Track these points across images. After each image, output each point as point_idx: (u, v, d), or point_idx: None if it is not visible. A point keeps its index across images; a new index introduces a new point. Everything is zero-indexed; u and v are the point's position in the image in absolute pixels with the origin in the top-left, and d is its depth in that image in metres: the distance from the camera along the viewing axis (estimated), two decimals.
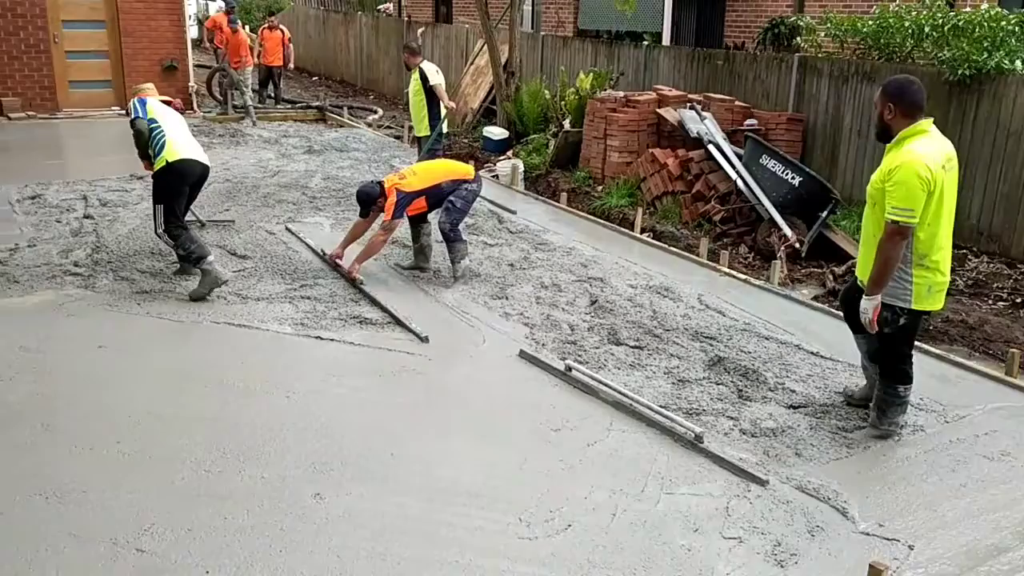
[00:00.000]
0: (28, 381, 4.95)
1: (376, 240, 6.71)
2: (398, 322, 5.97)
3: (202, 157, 6.55)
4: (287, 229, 8.02)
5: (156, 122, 6.36)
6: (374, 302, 6.33)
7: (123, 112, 14.47)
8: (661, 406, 4.80)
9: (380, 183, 6.73)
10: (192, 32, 18.92)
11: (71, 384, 4.96)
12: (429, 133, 9.47)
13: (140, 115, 6.35)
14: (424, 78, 9.34)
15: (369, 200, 6.71)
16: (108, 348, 5.45)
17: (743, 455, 4.39)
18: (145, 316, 5.98)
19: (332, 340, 5.68)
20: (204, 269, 6.28)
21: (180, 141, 6.40)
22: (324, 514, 3.79)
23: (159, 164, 6.30)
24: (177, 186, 6.38)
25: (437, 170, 6.96)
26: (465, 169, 7.05)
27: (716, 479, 4.18)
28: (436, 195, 6.77)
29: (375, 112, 17.13)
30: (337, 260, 6.92)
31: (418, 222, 7.10)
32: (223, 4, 15.89)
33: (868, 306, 4.40)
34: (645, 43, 13.54)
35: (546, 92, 13.10)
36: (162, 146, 6.30)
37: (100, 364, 5.23)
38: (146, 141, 6.36)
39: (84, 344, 5.48)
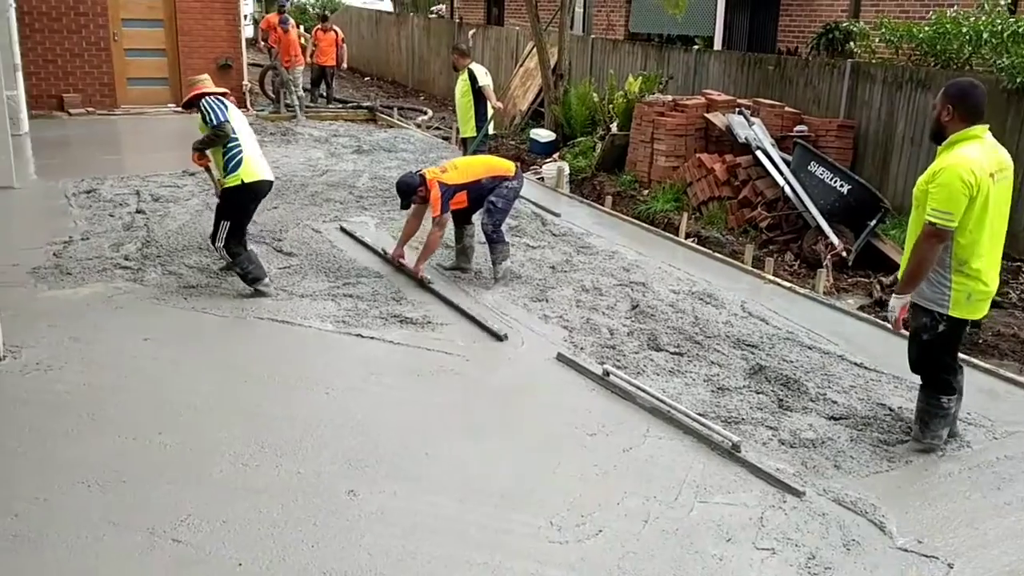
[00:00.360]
0: (76, 371, 5.07)
1: (433, 238, 6.73)
2: (473, 320, 6.02)
3: (270, 173, 6.48)
4: (342, 229, 8.09)
5: (235, 135, 6.19)
6: (445, 301, 6.39)
7: (179, 109, 14.80)
8: (699, 414, 4.75)
9: (421, 175, 6.71)
10: (247, 31, 19.23)
11: (117, 375, 5.06)
12: (475, 134, 9.49)
13: (224, 120, 6.15)
14: (473, 79, 9.36)
15: (409, 191, 6.64)
16: (154, 341, 5.56)
17: (780, 465, 4.33)
18: (191, 310, 6.09)
19: (372, 338, 5.73)
20: (259, 290, 6.35)
21: (255, 159, 6.29)
22: (357, 511, 3.82)
23: (233, 182, 6.18)
24: (247, 205, 6.37)
25: (478, 165, 6.98)
26: (506, 165, 7.05)
27: (752, 489, 4.13)
28: (477, 191, 6.78)
29: (425, 113, 17.24)
30: (400, 260, 6.99)
31: (462, 223, 7.12)
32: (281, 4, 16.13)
33: (895, 304, 4.37)
34: (696, 47, 13.45)
35: (594, 95, 13.06)
36: (238, 163, 6.16)
37: (145, 356, 5.34)
38: (218, 146, 6.21)
39: (131, 336, 5.59)
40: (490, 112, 9.50)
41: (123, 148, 12.55)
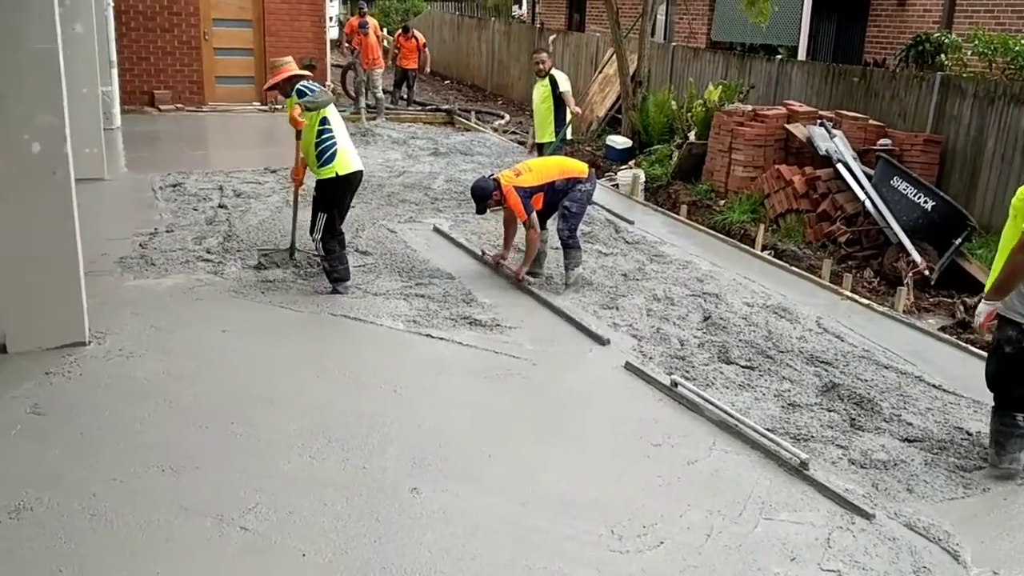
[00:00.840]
0: (156, 359, 5.24)
1: (531, 240, 6.77)
2: (574, 324, 6.07)
3: (361, 163, 6.53)
4: (435, 229, 8.19)
5: (329, 126, 6.29)
6: (548, 305, 6.43)
7: (264, 108, 15.19)
8: (768, 429, 4.68)
9: (495, 179, 6.72)
10: (332, 32, 19.60)
11: (195, 364, 5.22)
12: (552, 140, 9.48)
13: (315, 96, 6.14)
14: (554, 84, 9.34)
15: (484, 195, 6.65)
16: (231, 332, 5.71)
17: (850, 486, 4.23)
18: (268, 304, 6.23)
19: (442, 339, 5.78)
20: (336, 290, 6.47)
21: (348, 151, 6.37)
22: (420, 509, 3.86)
23: (327, 174, 6.27)
24: (342, 197, 6.45)
25: (552, 167, 6.99)
26: (580, 167, 7.05)
27: (819, 508, 4.05)
28: (551, 193, 6.79)
29: (502, 117, 17.33)
30: (501, 261, 7.07)
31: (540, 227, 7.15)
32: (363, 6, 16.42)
33: (982, 310, 4.31)
34: (778, 56, 13.23)
35: (673, 103, 12.95)
36: (332, 155, 6.25)
37: (222, 347, 5.49)
38: (315, 109, 6.19)
39: (209, 327, 5.76)
40: (568, 117, 9.50)
41: (209, 144, 12.92)
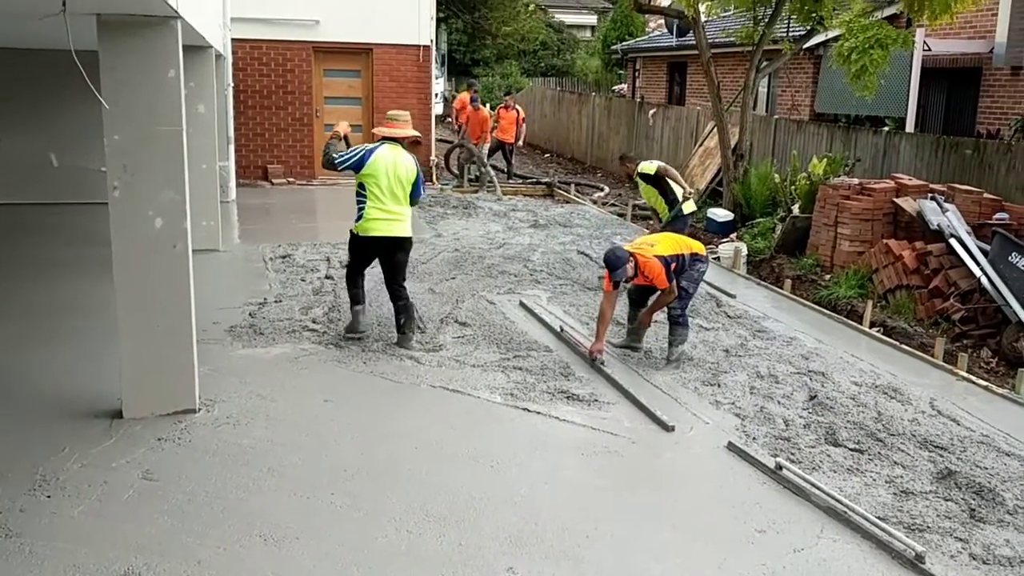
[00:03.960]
0: (261, 427, 5.37)
1: (664, 302, 6.75)
2: (640, 407, 5.91)
3: (393, 231, 6.77)
4: (521, 304, 8.23)
5: (364, 192, 6.69)
6: (613, 383, 6.32)
7: None
8: (879, 517, 4.46)
9: (629, 251, 6.60)
10: (437, 108, 20.23)
11: (297, 433, 5.32)
12: (669, 215, 9.20)
13: (351, 165, 6.65)
14: (644, 177, 9.13)
15: (618, 264, 6.47)
16: (333, 402, 5.82)
17: None
18: (369, 375, 6.34)
19: (539, 413, 5.76)
20: (348, 336, 6.96)
21: (377, 218, 6.69)
22: None
23: (353, 230, 6.84)
24: (359, 253, 6.97)
25: (680, 240, 6.99)
26: (699, 245, 7.06)
27: None
28: (681, 265, 6.74)
29: (601, 190, 17.43)
30: (596, 355, 6.62)
31: (639, 304, 7.09)
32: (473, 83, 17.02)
33: None
34: (885, 128, 12.97)
35: (775, 176, 12.81)
36: (359, 216, 6.76)
37: (324, 416, 5.59)
38: (331, 161, 6.72)
39: (312, 396, 5.88)
40: (678, 191, 9.08)
41: (317, 217, 13.39)
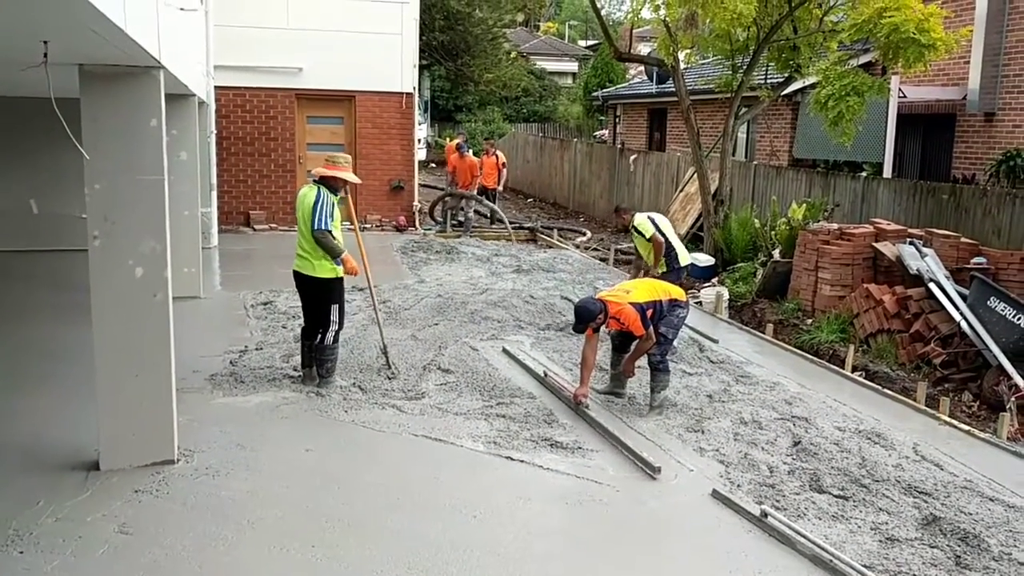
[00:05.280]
0: (241, 478, 5.30)
1: (643, 350, 6.73)
2: (626, 450, 5.90)
3: (300, 267, 6.83)
4: (504, 351, 8.19)
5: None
6: (599, 427, 6.29)
7: (351, 228, 15.67)
8: (865, 566, 4.43)
9: (602, 300, 6.59)
10: (420, 154, 20.38)
11: (277, 484, 5.25)
12: (666, 269, 9.04)
13: (326, 227, 6.62)
14: (639, 232, 8.87)
15: (589, 316, 6.46)
16: (314, 451, 5.75)
17: None
18: (351, 424, 6.28)
19: (522, 461, 5.71)
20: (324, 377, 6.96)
21: (296, 252, 6.89)
22: None
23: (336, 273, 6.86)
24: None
25: (657, 286, 6.97)
26: (679, 291, 7.05)
27: None
28: (659, 311, 6.72)
29: (584, 234, 17.51)
30: (581, 399, 6.62)
31: (622, 349, 7.08)
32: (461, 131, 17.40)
33: None
34: (863, 174, 13.14)
35: (756, 221, 12.91)
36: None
37: (305, 467, 5.52)
38: (332, 249, 6.70)
39: (293, 446, 5.82)
40: (679, 249, 8.81)
41: None
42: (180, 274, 8.97)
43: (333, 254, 6.72)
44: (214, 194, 13.65)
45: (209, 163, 13.18)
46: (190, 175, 9.72)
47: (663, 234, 8.71)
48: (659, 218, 9.03)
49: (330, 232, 6.66)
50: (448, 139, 26.86)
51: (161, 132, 5.12)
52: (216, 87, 13.70)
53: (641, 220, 8.90)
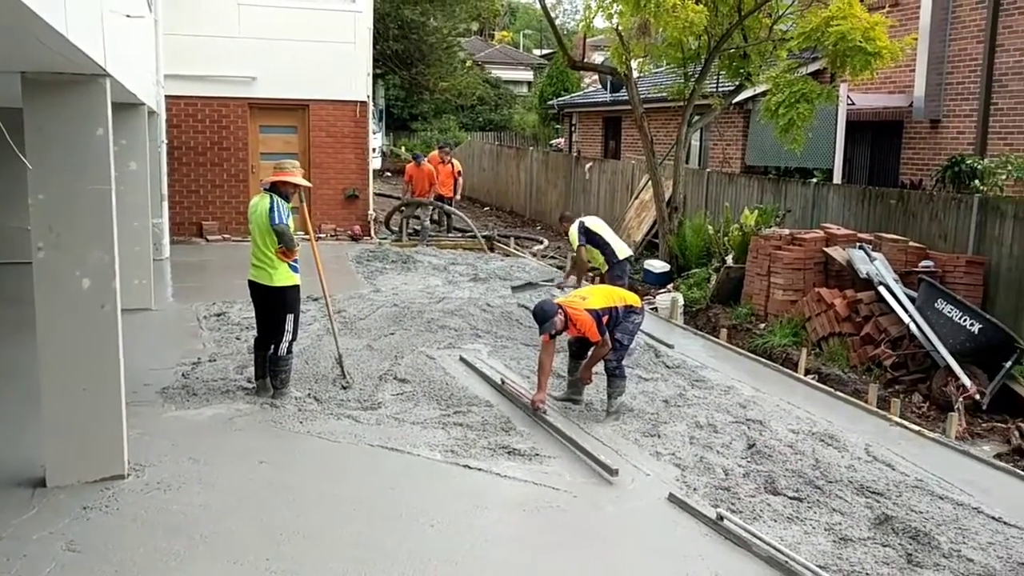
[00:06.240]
0: (193, 492, 5.21)
1: (600, 356, 6.72)
2: (585, 453, 5.91)
3: (255, 276, 6.82)
4: (462, 359, 8.16)
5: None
6: (557, 432, 6.31)
7: (306, 237, 15.53)
8: (819, 566, 4.49)
9: (559, 304, 6.65)
10: (375, 163, 20.30)
11: (231, 497, 5.17)
12: (607, 267, 9.22)
13: (285, 223, 6.63)
14: (579, 238, 9.15)
15: (546, 318, 6.51)
16: (268, 464, 5.68)
17: None
18: (306, 435, 6.21)
19: (480, 470, 5.69)
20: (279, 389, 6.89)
21: (250, 261, 6.90)
22: None
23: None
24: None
25: (612, 293, 7.02)
26: (634, 297, 7.10)
27: None
28: (615, 318, 6.74)
29: (541, 243, 17.56)
30: (539, 404, 6.62)
31: (579, 355, 7.10)
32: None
33: None
34: (814, 180, 13.36)
35: (709, 227, 13.06)
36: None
37: (260, 479, 5.45)
38: (291, 241, 6.69)
39: (247, 458, 5.73)
40: (611, 240, 9.18)
41: None
42: (131, 286, 8.82)
43: (290, 246, 6.72)
44: (165, 204, 13.45)
45: (160, 173, 12.99)
46: (140, 185, 9.56)
47: (595, 235, 9.12)
48: (591, 220, 9.43)
49: (288, 228, 6.67)
50: (404, 148, 26.84)
51: (108, 141, 5.03)
52: (167, 96, 13.51)
53: (571, 231, 9.28)
